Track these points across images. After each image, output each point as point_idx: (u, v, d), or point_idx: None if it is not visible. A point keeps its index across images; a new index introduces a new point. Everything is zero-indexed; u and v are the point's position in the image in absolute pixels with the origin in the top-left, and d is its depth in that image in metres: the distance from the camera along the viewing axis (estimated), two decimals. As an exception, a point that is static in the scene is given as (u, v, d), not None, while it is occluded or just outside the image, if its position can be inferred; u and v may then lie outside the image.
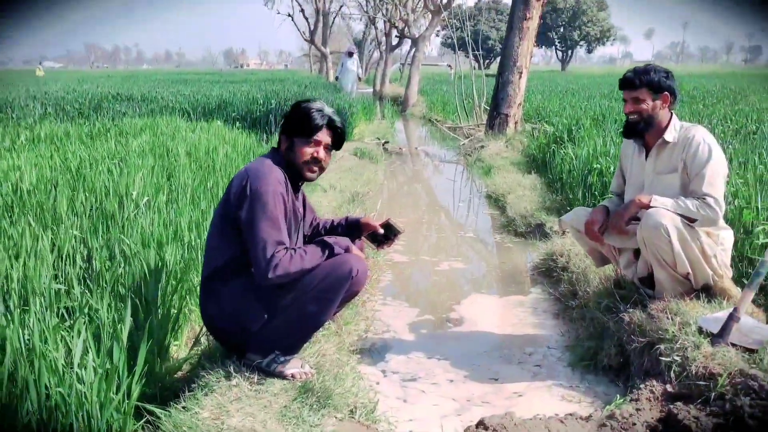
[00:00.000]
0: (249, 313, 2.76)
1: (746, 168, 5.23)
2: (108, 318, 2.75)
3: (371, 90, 29.59)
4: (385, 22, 29.30)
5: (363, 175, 8.33)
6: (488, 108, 14.21)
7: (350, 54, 19.76)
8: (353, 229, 3.11)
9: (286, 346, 2.87)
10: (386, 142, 12.24)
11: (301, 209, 2.97)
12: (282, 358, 2.87)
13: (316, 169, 2.88)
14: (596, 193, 5.90)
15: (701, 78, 30.83)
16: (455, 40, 19.10)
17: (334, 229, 3.14)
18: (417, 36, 22.92)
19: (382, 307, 4.30)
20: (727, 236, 3.31)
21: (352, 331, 3.72)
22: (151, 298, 3.02)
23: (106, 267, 3.32)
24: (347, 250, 2.85)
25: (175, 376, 3.01)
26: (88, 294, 3.03)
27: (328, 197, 6.84)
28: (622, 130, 3.51)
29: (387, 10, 26.21)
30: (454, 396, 3.16)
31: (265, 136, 10.26)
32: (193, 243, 3.82)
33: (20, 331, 2.25)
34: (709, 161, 3.19)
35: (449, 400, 3.13)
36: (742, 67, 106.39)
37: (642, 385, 2.89)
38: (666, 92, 3.33)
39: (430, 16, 23.22)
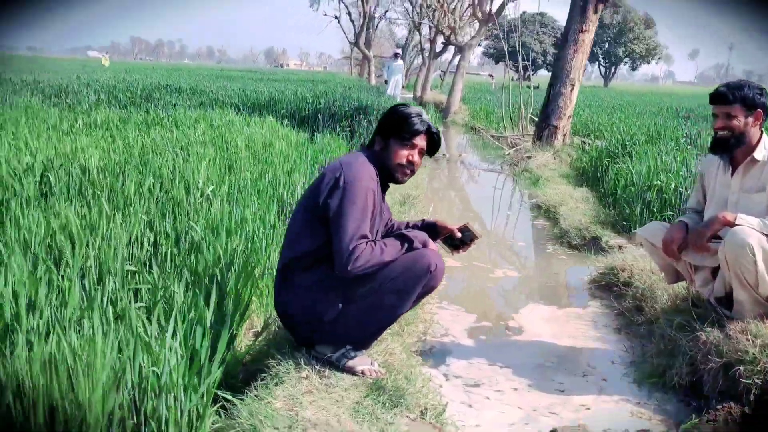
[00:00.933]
0: (324, 303, 2.76)
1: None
2: (185, 302, 2.76)
3: (411, 95, 29.57)
4: (430, 27, 29.30)
5: (413, 180, 8.29)
6: (534, 119, 14.15)
7: (396, 56, 19.82)
8: (428, 231, 3.08)
9: (357, 341, 2.86)
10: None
11: (384, 207, 2.96)
12: (353, 353, 2.85)
13: (408, 172, 2.89)
14: (654, 209, 5.81)
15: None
16: (499, 50, 18.99)
17: (408, 227, 3.12)
18: (463, 44, 22.84)
19: (440, 311, 4.26)
20: (811, 259, 3.20)
21: (412, 332, 3.69)
22: (224, 284, 3.01)
23: (177, 251, 3.34)
24: (425, 245, 2.84)
25: (243, 364, 3.00)
26: (163, 277, 3.04)
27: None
28: (709, 146, 3.43)
29: (434, 15, 26.16)
30: (519, 404, 3.11)
31: (313, 134, 10.32)
32: (258, 233, 3.81)
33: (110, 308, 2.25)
34: (800, 182, 3.09)
35: (515, 408, 3.07)
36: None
37: (719, 406, 2.82)
38: (759, 109, 3.24)
39: (477, 24, 23.16)
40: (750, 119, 3.26)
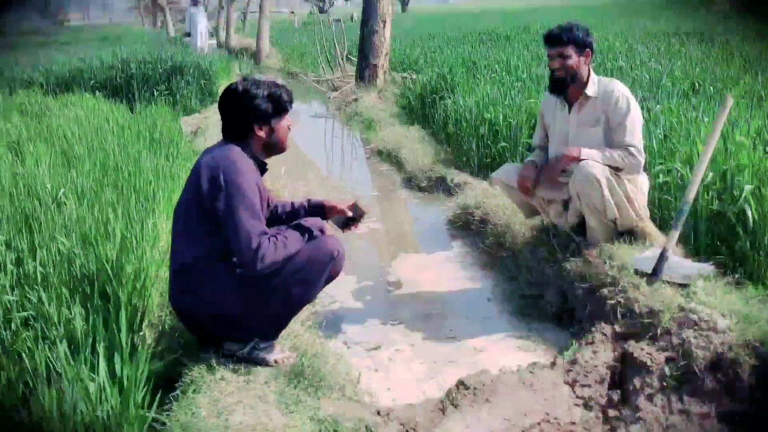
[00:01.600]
0: (231, 301, 2.75)
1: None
2: (82, 326, 2.65)
3: (215, 42, 28.49)
4: (225, -31, 28.13)
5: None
6: (351, 58, 14.27)
7: (195, 3, 18.88)
8: (316, 211, 3.14)
9: (266, 333, 2.90)
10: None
11: (264, 194, 2.96)
12: (262, 345, 2.89)
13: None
14: (489, 143, 6.18)
15: (534, 12, 32.35)
16: None
17: (296, 211, 3.15)
18: (263, -15, 22.23)
19: (320, 278, 4.35)
20: (644, 182, 3.67)
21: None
22: (116, 299, 2.91)
23: (49, 269, 3.15)
24: (322, 231, 2.92)
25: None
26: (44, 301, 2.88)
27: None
28: (547, 85, 3.74)
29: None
30: (420, 359, 3.32)
31: (131, 104, 9.76)
32: (127, 235, 3.65)
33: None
34: (628, 113, 3.50)
35: (417, 364, 3.29)
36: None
37: (593, 329, 3.18)
38: (588, 48, 3.58)
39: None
40: (582, 58, 3.60)
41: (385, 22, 11.15)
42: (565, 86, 3.64)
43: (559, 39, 3.57)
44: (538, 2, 64.27)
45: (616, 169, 3.48)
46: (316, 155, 8.55)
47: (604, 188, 3.41)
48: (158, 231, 3.96)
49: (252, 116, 2.81)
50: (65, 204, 4.01)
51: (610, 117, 3.55)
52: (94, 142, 5.60)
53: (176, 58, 11.75)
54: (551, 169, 3.60)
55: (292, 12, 42.43)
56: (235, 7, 30.99)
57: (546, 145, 3.93)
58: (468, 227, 4.99)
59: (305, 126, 10.81)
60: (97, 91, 10.03)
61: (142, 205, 4.12)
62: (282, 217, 3.13)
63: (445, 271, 4.40)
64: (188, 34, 18.75)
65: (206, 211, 2.71)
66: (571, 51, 3.57)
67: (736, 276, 3.29)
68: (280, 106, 2.83)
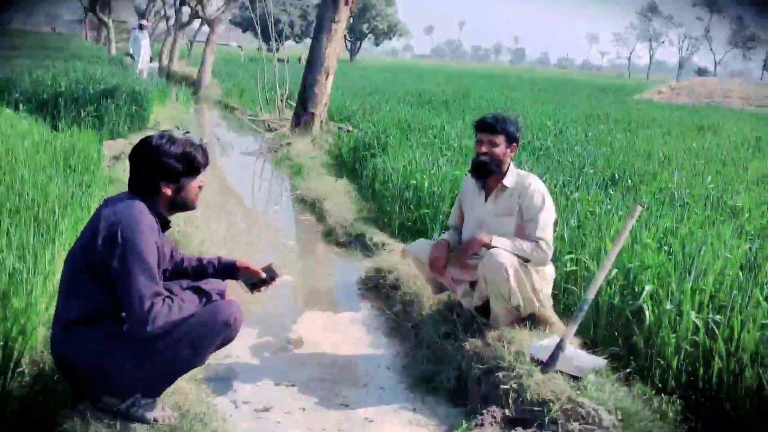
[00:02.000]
0: (116, 358, 2.62)
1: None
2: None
3: (156, 66, 28.13)
4: (174, -2, 28.01)
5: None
6: (291, 103, 14.33)
7: (141, 27, 18.69)
8: (225, 270, 3.07)
9: (149, 390, 2.78)
10: (187, 132, 11.78)
11: (166, 250, 2.88)
12: (143, 401, 2.76)
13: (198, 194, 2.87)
14: (411, 206, 6.24)
15: (478, 78, 33.33)
16: (246, 19, 18.81)
17: (204, 268, 3.07)
18: (212, 18, 22.25)
19: (219, 328, 4.24)
20: (550, 272, 3.76)
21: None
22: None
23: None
24: (222, 295, 2.84)
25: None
26: None
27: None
28: (470, 168, 3.82)
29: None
30: (309, 426, 3.25)
31: (55, 123, 9.46)
32: (17, 268, 3.48)
33: None
34: (542, 209, 3.60)
35: (305, 430, 3.22)
36: (509, 67, 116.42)
37: (484, 411, 3.19)
38: (515, 143, 3.70)
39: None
40: (508, 150, 3.70)
41: (328, 74, 11.29)
42: (488, 172, 3.72)
43: (493, 127, 3.68)
44: (482, 70, 66.52)
45: (524, 260, 3.55)
46: (241, 193, 8.44)
47: (511, 277, 3.47)
48: (55, 265, 3.79)
49: (160, 174, 2.72)
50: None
51: (524, 210, 3.64)
52: (2, 162, 5.36)
53: (110, 79, 11.52)
54: (462, 252, 3.66)
55: (240, 46, 42.49)
56: (182, 34, 30.81)
57: (460, 226, 4.00)
58: (379, 290, 4.98)
59: (235, 162, 10.73)
60: (21, 105, 9.70)
61: (42, 236, 3.95)
62: (188, 272, 3.05)
63: (350, 333, 4.37)
64: (131, 56, 18.51)
65: (97, 266, 2.60)
66: (501, 140, 3.68)
67: (627, 370, 3.38)
68: (192, 166, 2.76)
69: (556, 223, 4.02)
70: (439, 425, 3.34)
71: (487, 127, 3.71)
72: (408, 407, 3.49)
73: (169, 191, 2.74)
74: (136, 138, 10.12)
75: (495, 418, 3.15)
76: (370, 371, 3.87)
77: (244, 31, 67.95)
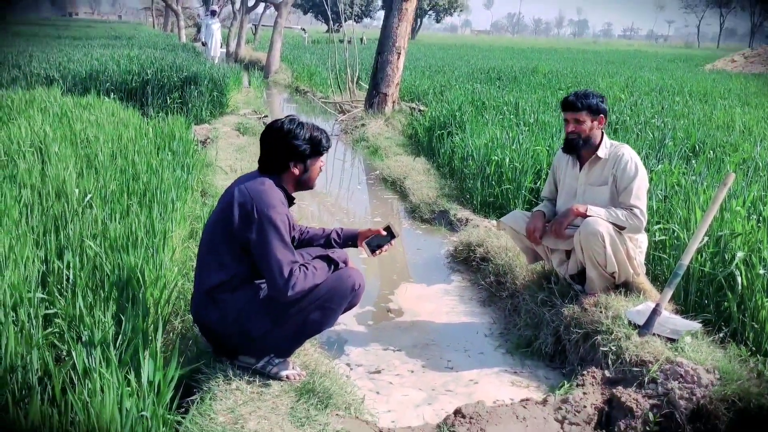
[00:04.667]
0: (255, 321, 2.94)
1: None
2: (110, 328, 2.83)
3: (224, 51, 28.78)
4: (241, -19, 28.46)
5: (258, 155, 8.37)
6: (362, 84, 14.59)
7: (213, 14, 19.20)
8: (348, 239, 3.36)
9: (281, 350, 3.09)
10: (265, 116, 12.23)
11: (293, 222, 3.16)
12: (276, 361, 3.08)
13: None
14: (493, 183, 6.42)
15: (540, 53, 32.94)
16: (307, 1, 19.00)
17: (328, 237, 3.37)
18: (279, 1, 22.61)
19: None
20: (644, 240, 3.90)
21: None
22: (144, 305, 3.10)
23: (77, 271, 3.33)
24: (346, 263, 3.11)
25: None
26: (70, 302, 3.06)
27: (232, 180, 6.85)
28: (562, 146, 3.99)
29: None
30: (419, 386, 3.52)
31: (142, 109, 9.98)
32: (150, 245, 3.83)
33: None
34: (636, 177, 3.74)
35: (416, 390, 3.48)
36: (571, 40, 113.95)
37: (585, 372, 3.39)
38: (602, 114, 3.83)
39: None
40: (595, 123, 3.85)
41: (399, 54, 11.45)
42: (578, 148, 3.89)
43: (575, 105, 3.83)
44: (543, 43, 65.34)
45: (619, 228, 3.70)
46: (321, 175, 8.74)
47: (607, 244, 3.64)
48: (174, 243, 4.15)
49: (291, 155, 3.02)
50: (91, 209, 4.18)
51: (618, 179, 3.79)
52: (116, 148, 5.78)
53: (190, 67, 11.98)
54: (559, 222, 3.82)
55: (303, 29, 42.88)
56: (248, 19, 31.36)
57: (554, 197, 4.17)
58: (468, 263, 5.20)
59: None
60: (111, 94, 10.23)
61: (161, 216, 4.31)
62: (312, 243, 3.34)
63: (444, 303, 4.61)
64: (204, 43, 19.05)
65: (235, 239, 2.91)
66: (585, 116, 3.83)
67: (721, 335, 3.52)
68: (318, 149, 3.05)
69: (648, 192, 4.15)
70: (540, 386, 3.56)
71: (570, 105, 3.87)
72: (509, 370, 3.72)
73: (297, 171, 3.04)
74: (217, 123, 10.60)
75: (595, 378, 3.34)
76: (469, 338, 4.10)
77: (305, 13, 68.59)
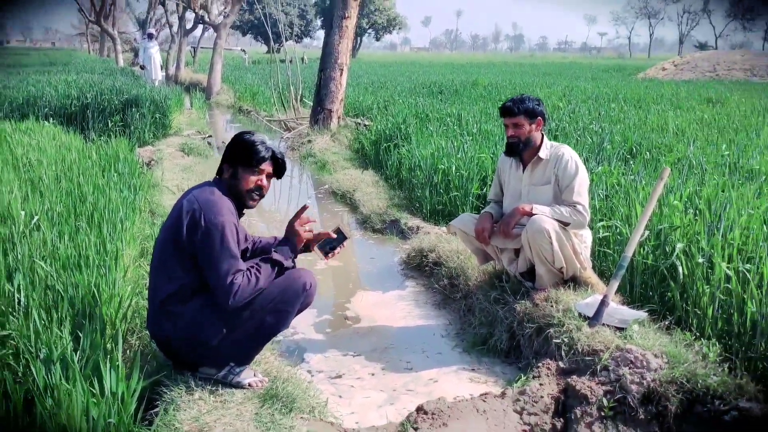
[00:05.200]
0: (209, 329, 2.94)
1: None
2: (68, 344, 2.81)
3: (163, 74, 28.46)
4: (177, 4, 28.31)
5: (205, 174, 8.35)
6: (305, 100, 14.65)
7: (150, 36, 19.00)
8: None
9: (241, 358, 3.10)
10: (209, 136, 12.17)
11: (242, 233, 3.18)
12: (237, 369, 3.09)
13: (257, 197, 3.12)
14: (441, 191, 6.55)
15: (479, 67, 33.61)
16: (245, 23, 19.06)
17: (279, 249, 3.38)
18: (218, 23, 22.56)
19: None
20: (588, 236, 4.06)
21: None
22: (101, 321, 3.08)
23: (29, 292, 3.29)
24: (294, 264, 3.15)
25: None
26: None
27: (180, 199, 6.82)
28: (504, 150, 4.13)
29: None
30: (380, 388, 3.57)
31: (84, 134, 9.82)
32: (101, 264, 3.80)
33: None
34: (576, 175, 3.90)
35: (377, 391, 3.54)
36: (508, 54, 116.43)
37: (540, 364, 3.50)
38: (539, 117, 3.98)
39: (229, 1, 22.98)
40: (533, 126, 4.01)
41: (342, 70, 11.57)
42: (519, 150, 4.04)
43: (512, 110, 3.99)
44: (481, 58, 66.60)
45: (563, 224, 3.85)
46: (270, 191, 8.74)
47: (554, 240, 3.78)
48: (125, 262, 4.13)
49: (226, 157, 3.09)
50: (38, 230, 4.13)
51: (560, 178, 3.94)
52: (59, 170, 5.70)
53: (131, 90, 11.85)
54: (506, 222, 3.95)
55: (243, 50, 42.79)
56: (186, 42, 31.16)
57: (500, 199, 4.31)
58: (421, 269, 5.29)
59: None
60: (50, 119, 10.05)
61: (110, 235, 4.27)
62: (265, 253, 3.34)
63: (400, 308, 4.68)
64: (142, 67, 18.83)
65: (184, 249, 2.92)
66: (522, 120, 3.98)
67: (666, 322, 3.68)
68: (248, 157, 3.04)
69: (589, 192, 4.31)
70: (498, 380, 3.66)
71: (508, 111, 4.02)
72: (467, 368, 3.81)
73: (227, 175, 3.08)
74: (161, 144, 10.51)
75: (550, 369, 3.46)
76: (427, 339, 4.18)
77: (244, 34, 68.36)
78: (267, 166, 3.11)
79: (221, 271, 2.84)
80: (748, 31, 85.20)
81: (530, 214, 3.86)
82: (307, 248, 3.36)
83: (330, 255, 3.36)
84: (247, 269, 2.96)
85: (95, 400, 2.34)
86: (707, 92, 15.72)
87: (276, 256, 3.13)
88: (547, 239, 3.77)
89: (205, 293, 2.97)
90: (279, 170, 3.19)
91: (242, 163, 3.05)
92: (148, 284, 3.12)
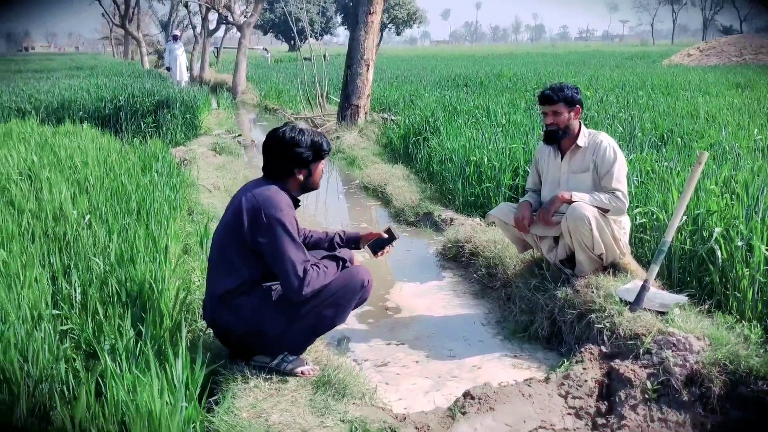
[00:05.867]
0: (270, 322, 3.06)
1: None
2: (132, 336, 2.94)
3: (188, 75, 28.76)
4: (200, 5, 28.59)
5: (238, 173, 8.51)
6: (332, 97, 14.77)
7: (175, 38, 19.25)
8: (350, 242, 3.51)
9: (295, 348, 3.21)
10: (239, 135, 12.32)
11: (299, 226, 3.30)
12: (291, 358, 3.20)
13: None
14: (473, 182, 6.61)
15: (501, 59, 33.50)
16: (266, 21, 19.20)
17: (331, 240, 3.51)
18: (241, 22, 22.76)
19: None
20: (627, 222, 4.11)
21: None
22: (159, 314, 3.20)
23: (86, 288, 3.42)
24: (351, 261, 3.27)
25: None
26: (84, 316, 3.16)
27: (216, 198, 6.97)
28: (542, 137, 4.18)
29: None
30: (425, 375, 3.66)
31: (117, 134, 10.02)
32: (152, 260, 3.93)
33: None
34: (615, 162, 3.94)
35: (423, 378, 3.62)
36: (529, 45, 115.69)
37: (582, 349, 3.56)
38: (577, 105, 4.03)
39: (252, 1, 23.19)
40: (572, 114, 4.06)
41: (368, 66, 11.66)
42: (558, 138, 4.09)
43: (551, 98, 4.03)
44: (502, 50, 66.24)
45: (603, 211, 3.90)
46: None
47: (594, 227, 3.83)
48: (172, 257, 4.26)
49: (294, 162, 3.16)
50: (90, 228, 4.28)
51: (599, 165, 3.99)
52: (102, 171, 5.87)
53: (161, 91, 12.05)
54: (546, 210, 4.01)
55: (265, 49, 43.08)
56: (210, 42, 31.46)
57: (538, 188, 4.36)
58: (457, 259, 5.37)
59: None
60: (85, 122, 10.26)
61: (157, 232, 4.40)
62: (317, 247, 3.48)
63: (439, 298, 4.76)
64: (168, 68, 19.09)
65: (245, 244, 3.03)
66: (562, 108, 4.03)
67: (706, 306, 3.72)
68: (319, 153, 3.19)
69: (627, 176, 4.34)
70: (541, 366, 3.73)
71: (546, 99, 4.07)
72: (509, 354, 3.88)
73: (301, 176, 3.18)
74: (192, 144, 10.67)
75: (593, 353, 3.52)
76: (468, 327, 4.26)
77: (265, 33, 68.77)
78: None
79: (293, 264, 2.95)
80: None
81: (570, 202, 3.91)
82: (357, 245, 3.48)
83: (380, 253, 3.49)
84: (315, 263, 3.08)
85: (169, 387, 2.45)
86: (735, 77, 15.56)
87: (342, 254, 3.28)
88: (587, 226, 3.83)
89: (266, 286, 3.09)
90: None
91: (315, 160, 3.18)
92: (207, 277, 3.22)
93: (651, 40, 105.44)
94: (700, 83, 14.19)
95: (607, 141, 4.03)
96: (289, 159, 3.14)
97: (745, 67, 21.16)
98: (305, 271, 2.96)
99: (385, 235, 3.50)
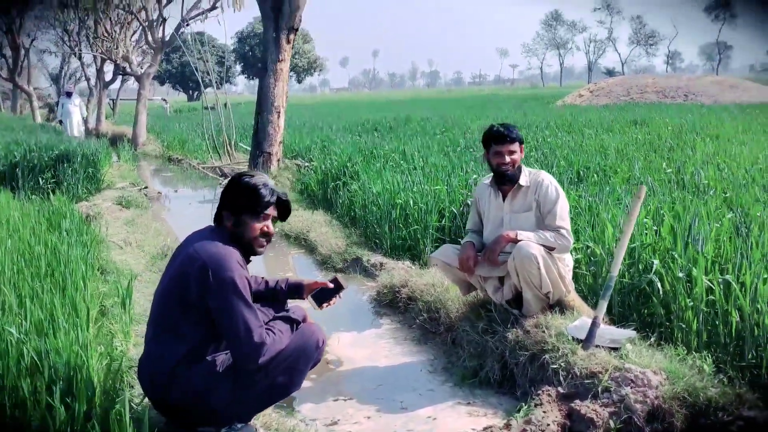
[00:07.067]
0: (218, 392, 2.77)
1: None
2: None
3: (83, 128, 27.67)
4: (95, 57, 27.67)
5: (149, 227, 8.08)
6: (241, 145, 14.51)
7: (69, 94, 18.59)
8: (294, 291, 3.27)
9: (244, 417, 2.95)
10: (145, 187, 11.82)
11: (252, 279, 3.05)
12: (238, 426, 2.94)
13: (264, 243, 2.94)
14: (401, 225, 6.51)
15: (401, 104, 34.11)
16: (163, 72, 18.88)
17: (274, 290, 3.26)
18: (140, 73, 22.19)
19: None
20: (569, 260, 4.10)
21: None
22: (89, 389, 2.87)
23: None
24: (304, 319, 3.04)
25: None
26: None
27: (129, 255, 6.56)
28: (494, 178, 4.13)
29: (102, 44, 24.64)
30: (378, 430, 3.45)
31: (13, 192, 9.38)
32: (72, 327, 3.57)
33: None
34: (558, 200, 3.93)
35: (377, 435, 3.42)
36: (425, 90, 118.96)
37: (540, 391, 3.46)
38: (523, 144, 4.03)
39: (150, 51, 22.67)
40: (521, 153, 4.03)
41: (279, 112, 11.53)
42: (514, 178, 4.03)
43: (507, 137, 3.99)
44: (401, 95, 67.66)
45: (549, 249, 3.86)
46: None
47: (541, 266, 3.78)
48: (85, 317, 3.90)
49: (226, 201, 2.89)
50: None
51: (542, 203, 3.97)
52: (6, 231, 5.40)
53: (59, 145, 11.44)
54: (492, 249, 3.93)
55: (164, 100, 42.19)
56: (105, 94, 30.48)
57: (480, 229, 4.30)
58: (394, 305, 5.22)
59: (196, 211, 10.59)
60: (-26, 179, 9.57)
61: (75, 296, 4.04)
62: (257, 297, 3.20)
63: (380, 347, 4.58)
64: (60, 122, 18.37)
65: (191, 307, 2.73)
66: (516, 147, 4.01)
67: (652, 339, 3.72)
68: (255, 202, 2.85)
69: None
70: (497, 412, 3.59)
71: (503, 138, 4.02)
72: (462, 402, 3.73)
73: (229, 223, 2.89)
74: (96, 199, 10.12)
75: (551, 395, 3.42)
76: (414, 376, 4.10)
77: (162, 84, 67.49)
78: (272, 211, 2.93)
79: (248, 331, 2.67)
80: (651, 56, 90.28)
81: (515, 241, 3.86)
82: (300, 295, 3.27)
83: (325, 305, 3.29)
84: (269, 327, 2.82)
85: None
86: (629, 115, 16.35)
87: (294, 315, 3.04)
88: (535, 264, 3.77)
89: (214, 354, 2.81)
90: (285, 212, 3.03)
91: (246, 210, 2.85)
92: (147, 343, 2.89)
93: (541, 83, 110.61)
94: (599, 121, 14.80)
95: (549, 180, 4.03)
96: (223, 200, 2.91)
97: (634, 105, 22.34)
98: (261, 338, 2.69)
99: (331, 285, 3.30)
